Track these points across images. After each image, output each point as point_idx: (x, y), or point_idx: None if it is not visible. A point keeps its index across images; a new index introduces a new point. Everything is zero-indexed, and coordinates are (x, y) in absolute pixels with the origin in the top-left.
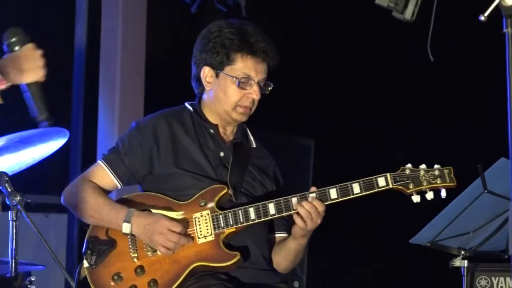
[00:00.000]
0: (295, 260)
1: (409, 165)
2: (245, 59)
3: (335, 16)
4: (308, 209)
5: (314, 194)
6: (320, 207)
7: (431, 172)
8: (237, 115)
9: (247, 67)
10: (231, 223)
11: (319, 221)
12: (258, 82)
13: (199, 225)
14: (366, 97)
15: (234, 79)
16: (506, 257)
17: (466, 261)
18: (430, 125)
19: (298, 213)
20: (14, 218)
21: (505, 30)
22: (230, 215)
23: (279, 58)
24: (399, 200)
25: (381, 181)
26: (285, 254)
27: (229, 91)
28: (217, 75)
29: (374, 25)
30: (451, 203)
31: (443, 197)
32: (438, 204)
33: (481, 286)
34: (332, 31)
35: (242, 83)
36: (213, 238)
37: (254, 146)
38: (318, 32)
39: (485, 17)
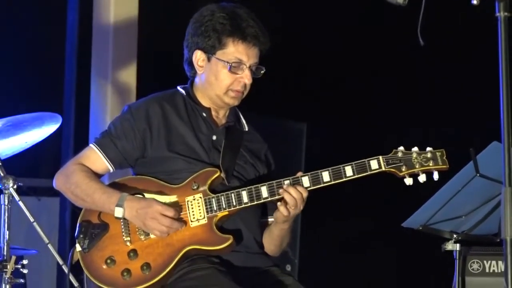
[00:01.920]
0: (281, 244)
1: (401, 148)
2: (236, 44)
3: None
4: (295, 196)
5: (306, 178)
6: (304, 193)
7: (423, 155)
8: (229, 99)
9: (238, 52)
10: (224, 206)
11: (302, 207)
12: (249, 67)
13: (192, 208)
14: (358, 80)
15: (226, 63)
16: (498, 240)
17: (458, 245)
18: (423, 108)
19: (283, 201)
20: (7, 202)
21: (497, 14)
22: (223, 198)
23: (271, 42)
24: (392, 184)
25: (374, 164)
26: (270, 239)
27: (221, 75)
28: (209, 59)
29: (368, 9)
30: (444, 186)
31: (435, 179)
32: (431, 188)
33: (473, 269)
34: (325, 15)
35: (234, 68)
36: (206, 222)
37: (247, 129)
38: (311, 16)
39: (477, 1)
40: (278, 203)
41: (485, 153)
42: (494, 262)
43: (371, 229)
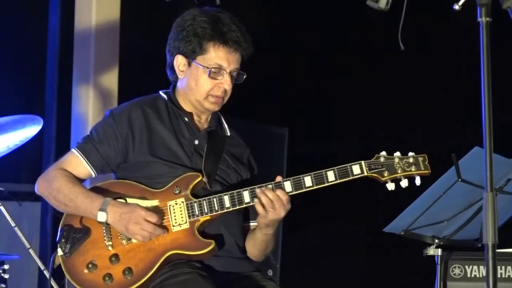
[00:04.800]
0: (265, 249)
1: (383, 153)
2: (217, 49)
3: (311, 5)
4: (271, 198)
5: (288, 183)
6: (284, 196)
7: (405, 160)
8: (209, 105)
9: (218, 57)
10: (206, 211)
11: (282, 213)
12: (230, 72)
13: (174, 213)
14: (340, 85)
15: (205, 69)
16: (480, 245)
17: (440, 250)
18: (405, 114)
19: (260, 202)
20: None
21: (479, 19)
22: (205, 203)
23: (253, 47)
24: (373, 189)
25: (356, 169)
26: (254, 244)
27: (201, 81)
28: (189, 64)
29: (350, 13)
30: (425, 191)
31: (417, 184)
32: (413, 193)
33: (454, 274)
34: (308, 20)
35: (213, 73)
36: (188, 226)
37: (229, 134)
38: (293, 20)
39: (459, 6)
40: (256, 205)
41: (467, 159)
42: (475, 267)
43: (353, 234)
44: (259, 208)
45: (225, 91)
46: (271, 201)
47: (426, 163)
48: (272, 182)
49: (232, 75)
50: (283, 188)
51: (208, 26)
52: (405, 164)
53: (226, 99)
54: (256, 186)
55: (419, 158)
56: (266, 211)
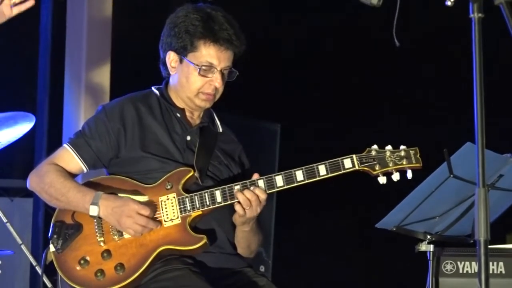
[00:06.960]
0: (248, 246)
1: (375, 146)
2: (207, 47)
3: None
4: (248, 197)
5: (280, 177)
6: (262, 195)
7: (397, 153)
8: (200, 102)
9: (209, 55)
10: (198, 206)
11: (259, 210)
12: (221, 70)
13: (166, 208)
14: (332, 80)
15: (196, 66)
16: (472, 241)
17: (432, 246)
18: (398, 108)
19: (238, 201)
20: None
21: (471, 15)
22: (196, 198)
23: (246, 45)
24: (366, 185)
25: (347, 163)
26: (237, 241)
27: (191, 78)
28: (181, 61)
29: (342, 9)
30: (417, 187)
31: (409, 178)
32: (405, 188)
33: (446, 270)
34: (299, 15)
35: (204, 71)
36: (180, 222)
37: (221, 130)
38: (285, 17)
39: (451, 2)
40: (235, 203)
41: (458, 154)
42: (467, 263)
43: (344, 230)
44: (237, 206)
45: (216, 88)
46: (248, 200)
47: (418, 156)
48: (264, 177)
49: (223, 73)
50: (274, 183)
51: (199, 24)
52: (397, 158)
53: (217, 96)
54: (247, 181)
55: (411, 151)
56: (244, 209)
